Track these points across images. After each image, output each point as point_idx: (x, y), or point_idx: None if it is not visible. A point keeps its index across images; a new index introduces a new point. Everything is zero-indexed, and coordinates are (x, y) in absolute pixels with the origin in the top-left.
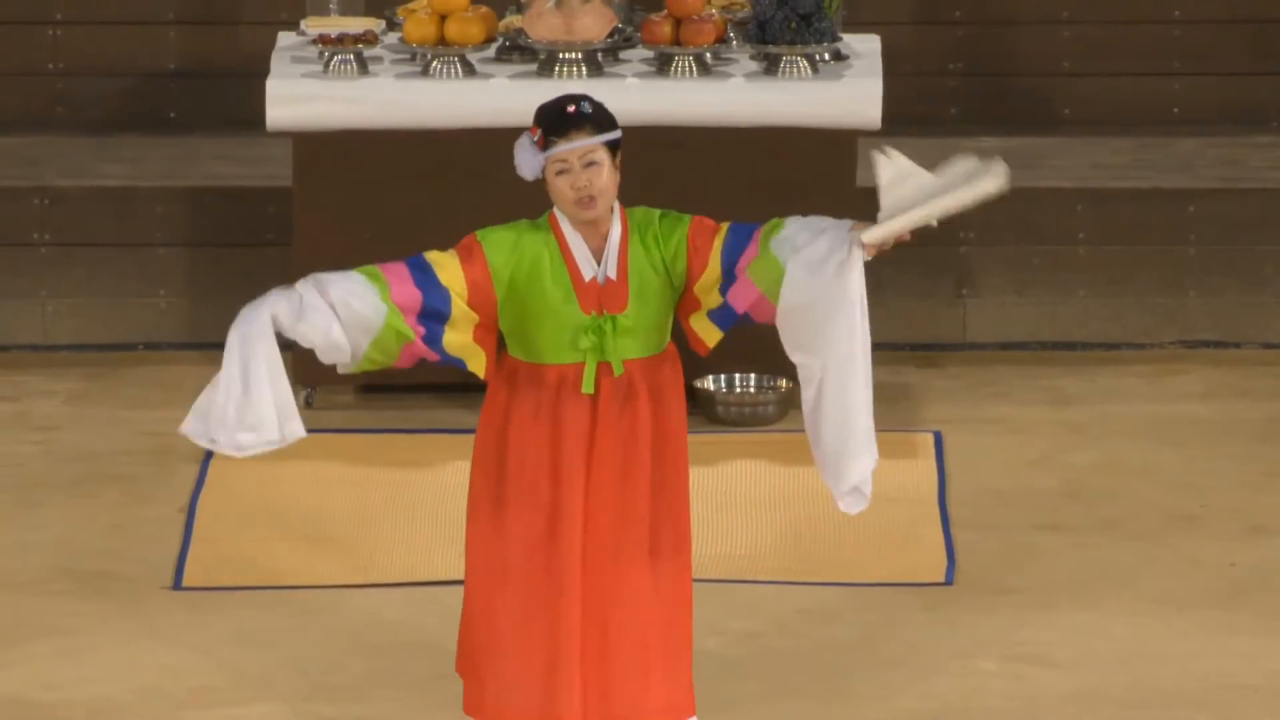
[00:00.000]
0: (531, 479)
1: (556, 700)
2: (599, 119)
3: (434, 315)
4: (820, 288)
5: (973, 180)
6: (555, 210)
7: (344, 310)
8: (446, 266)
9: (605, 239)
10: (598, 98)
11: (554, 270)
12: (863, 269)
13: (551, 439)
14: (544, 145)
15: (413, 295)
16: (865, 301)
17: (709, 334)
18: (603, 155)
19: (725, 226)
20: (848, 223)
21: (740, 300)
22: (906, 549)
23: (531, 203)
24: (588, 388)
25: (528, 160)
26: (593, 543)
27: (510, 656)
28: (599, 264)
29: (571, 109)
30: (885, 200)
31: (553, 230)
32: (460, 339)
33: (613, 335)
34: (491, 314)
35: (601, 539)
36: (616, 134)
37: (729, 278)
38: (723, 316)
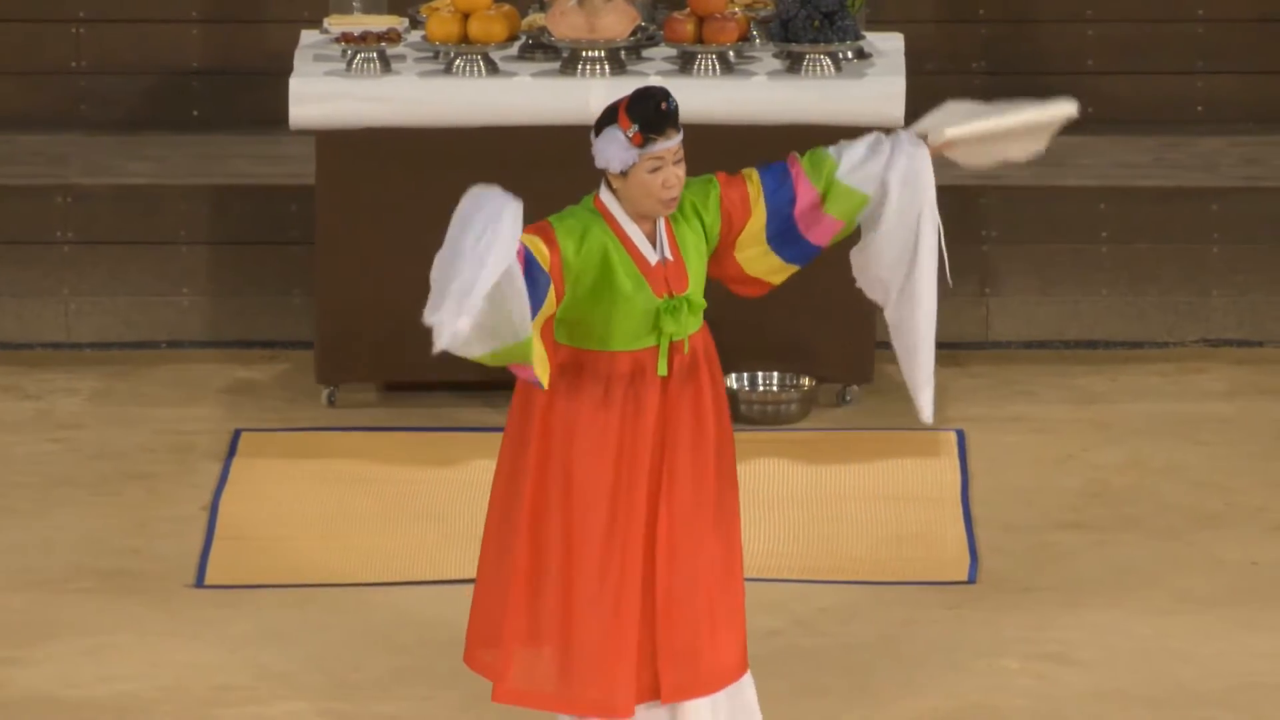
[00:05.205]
0: (596, 469)
1: (614, 690)
2: (679, 116)
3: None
4: (902, 206)
5: (1041, 108)
6: (602, 197)
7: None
8: (543, 252)
9: (655, 223)
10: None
11: (620, 258)
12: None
13: (621, 426)
14: (642, 143)
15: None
16: (936, 220)
17: (779, 272)
18: (683, 152)
19: (754, 174)
20: (903, 136)
21: (823, 235)
22: (929, 547)
23: (556, 201)
24: (664, 370)
25: (619, 154)
26: (670, 522)
27: (563, 645)
28: (655, 247)
29: (664, 106)
30: (946, 121)
31: (605, 218)
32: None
33: (688, 314)
34: (558, 303)
35: (680, 517)
36: None
37: (786, 223)
38: (802, 254)
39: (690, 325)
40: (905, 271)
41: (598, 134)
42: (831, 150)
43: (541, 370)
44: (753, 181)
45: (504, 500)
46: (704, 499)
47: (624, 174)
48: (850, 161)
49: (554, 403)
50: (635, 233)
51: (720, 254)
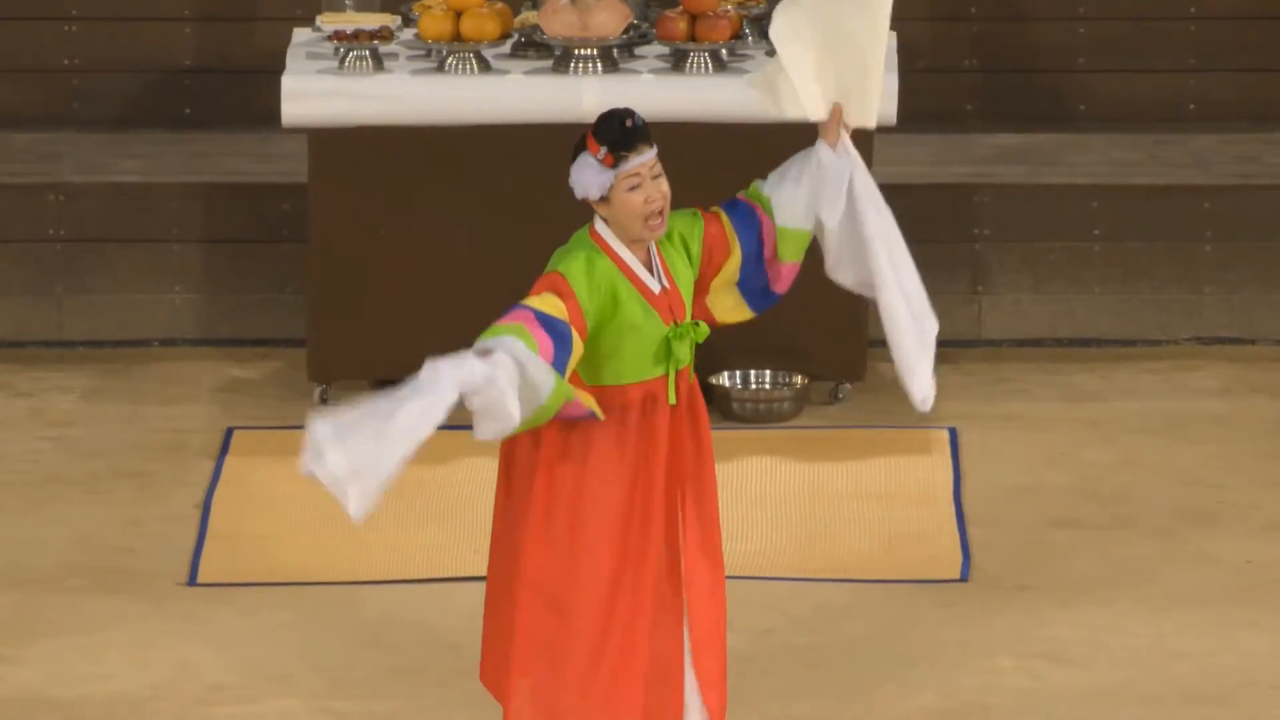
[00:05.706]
0: (606, 501)
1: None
2: (649, 131)
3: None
4: (851, 223)
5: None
6: (597, 228)
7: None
8: (561, 311)
9: (648, 250)
10: (614, 94)
11: (627, 289)
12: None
13: (636, 458)
14: (614, 163)
15: (549, 352)
16: (883, 207)
17: (739, 313)
18: (660, 167)
19: (722, 214)
20: (817, 149)
21: (785, 282)
22: (922, 546)
23: (548, 199)
24: (674, 398)
25: (594, 179)
26: (693, 550)
27: (582, 681)
28: (653, 275)
29: (630, 123)
30: (844, 96)
31: (604, 250)
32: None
33: (695, 340)
34: (581, 350)
35: (697, 543)
36: None
37: (755, 264)
38: (764, 299)
39: (692, 352)
40: (865, 261)
41: (572, 166)
42: (765, 189)
43: (587, 401)
44: (724, 221)
45: (505, 528)
46: (708, 523)
47: (605, 199)
48: (780, 202)
49: (562, 454)
50: (634, 262)
51: (695, 293)
